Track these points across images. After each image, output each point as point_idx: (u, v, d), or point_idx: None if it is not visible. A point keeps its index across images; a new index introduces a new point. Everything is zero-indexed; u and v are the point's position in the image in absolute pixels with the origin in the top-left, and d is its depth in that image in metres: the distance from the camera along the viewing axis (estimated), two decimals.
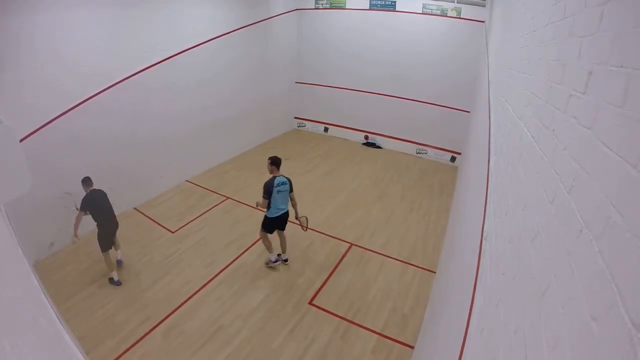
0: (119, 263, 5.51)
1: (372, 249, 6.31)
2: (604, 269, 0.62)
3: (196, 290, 5.21)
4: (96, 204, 4.92)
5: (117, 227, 5.28)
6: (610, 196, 0.67)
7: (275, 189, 5.06)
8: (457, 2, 8.88)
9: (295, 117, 12.12)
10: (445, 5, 9.03)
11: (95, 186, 5.01)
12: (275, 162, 5.10)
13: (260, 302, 5.05)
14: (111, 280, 5.22)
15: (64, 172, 5.71)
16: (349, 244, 6.39)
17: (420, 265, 5.93)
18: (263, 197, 5.11)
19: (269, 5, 9.85)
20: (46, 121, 5.45)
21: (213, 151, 8.97)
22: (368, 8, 10.01)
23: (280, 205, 5.23)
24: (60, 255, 5.78)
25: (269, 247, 5.57)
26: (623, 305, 0.53)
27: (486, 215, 2.18)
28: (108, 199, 5.09)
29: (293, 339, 4.52)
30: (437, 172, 9.53)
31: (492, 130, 3.09)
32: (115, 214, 5.22)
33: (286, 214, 5.39)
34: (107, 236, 5.12)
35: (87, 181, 4.95)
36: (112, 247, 5.31)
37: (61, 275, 5.35)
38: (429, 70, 9.66)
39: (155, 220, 6.81)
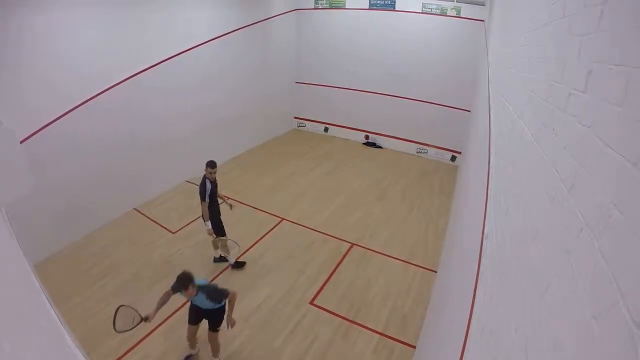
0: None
1: (372, 248, 6.31)
2: (605, 268, 0.61)
3: None
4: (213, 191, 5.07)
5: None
6: (611, 194, 0.66)
7: None
8: (457, 1, 8.88)
9: (296, 117, 12.11)
10: (445, 4, 9.02)
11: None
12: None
13: (260, 303, 5.05)
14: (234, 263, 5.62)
15: (64, 173, 5.72)
16: (349, 244, 6.38)
17: (421, 265, 5.92)
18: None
19: (269, 5, 9.85)
20: (46, 122, 5.44)
21: (213, 151, 8.88)
22: (367, 8, 10.01)
23: None
24: (62, 256, 5.78)
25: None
26: (624, 304, 0.53)
27: (487, 214, 2.17)
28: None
29: (294, 339, 4.52)
30: (438, 171, 9.52)
31: (492, 129, 3.09)
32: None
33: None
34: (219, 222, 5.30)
35: (213, 164, 4.95)
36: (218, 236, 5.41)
37: (62, 276, 5.35)
38: (429, 69, 9.65)
39: (156, 220, 6.81)
